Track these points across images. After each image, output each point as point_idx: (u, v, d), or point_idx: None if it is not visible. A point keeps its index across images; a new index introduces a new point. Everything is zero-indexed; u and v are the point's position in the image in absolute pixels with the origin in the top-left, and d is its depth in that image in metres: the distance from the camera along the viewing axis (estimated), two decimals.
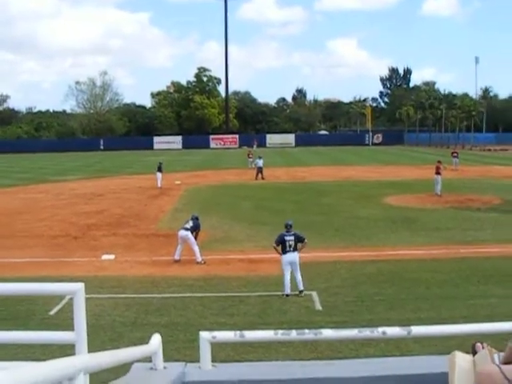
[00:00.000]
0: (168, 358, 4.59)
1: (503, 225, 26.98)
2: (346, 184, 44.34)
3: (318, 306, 15.70)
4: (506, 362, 3.34)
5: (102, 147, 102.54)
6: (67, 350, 3.87)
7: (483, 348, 3.57)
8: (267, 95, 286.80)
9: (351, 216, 29.77)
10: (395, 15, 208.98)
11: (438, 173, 37.32)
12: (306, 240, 17.25)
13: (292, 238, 16.95)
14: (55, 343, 4.46)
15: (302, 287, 16.62)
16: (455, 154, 57.06)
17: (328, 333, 4.40)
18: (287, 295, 16.42)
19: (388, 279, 18.15)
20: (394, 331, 4.28)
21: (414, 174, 49.65)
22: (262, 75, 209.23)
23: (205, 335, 4.37)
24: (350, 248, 22.25)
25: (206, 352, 4.37)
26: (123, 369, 4.30)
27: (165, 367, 4.35)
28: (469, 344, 3.69)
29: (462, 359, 3.53)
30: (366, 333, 4.26)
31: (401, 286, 17.30)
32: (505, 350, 3.59)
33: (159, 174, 43.25)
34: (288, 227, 17.21)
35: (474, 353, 3.59)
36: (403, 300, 16.00)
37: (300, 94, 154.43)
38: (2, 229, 27.15)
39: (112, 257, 21.49)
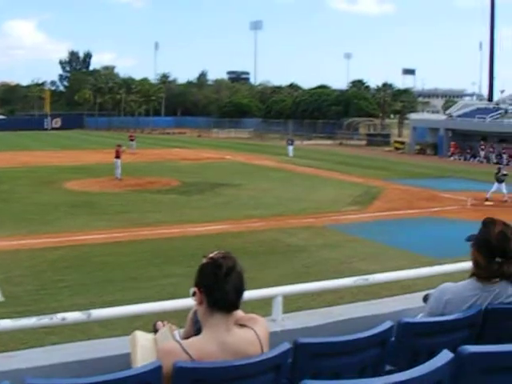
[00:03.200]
0: None
1: (181, 206, 28.10)
2: (24, 170, 42.72)
3: (0, 297, 15.05)
4: (187, 337, 3.40)
5: None
6: None
7: (164, 326, 3.62)
8: None
9: (31, 202, 28.87)
10: None
11: (117, 156, 37.67)
12: None
13: None
14: None
15: None
16: (132, 138, 59.48)
17: (5, 323, 4.16)
18: None
19: (71, 265, 17.93)
20: (73, 316, 4.18)
21: (94, 159, 49.54)
22: None
23: None
24: (30, 235, 21.54)
25: None
26: None
27: None
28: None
29: (142, 338, 3.55)
30: (45, 320, 4.11)
31: (84, 271, 17.18)
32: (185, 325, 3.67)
33: None
34: None
35: (156, 331, 3.63)
36: (87, 285, 15.91)
37: None
38: None
39: None
